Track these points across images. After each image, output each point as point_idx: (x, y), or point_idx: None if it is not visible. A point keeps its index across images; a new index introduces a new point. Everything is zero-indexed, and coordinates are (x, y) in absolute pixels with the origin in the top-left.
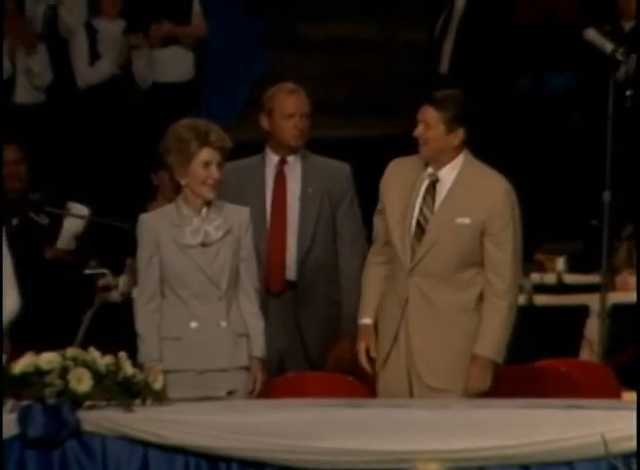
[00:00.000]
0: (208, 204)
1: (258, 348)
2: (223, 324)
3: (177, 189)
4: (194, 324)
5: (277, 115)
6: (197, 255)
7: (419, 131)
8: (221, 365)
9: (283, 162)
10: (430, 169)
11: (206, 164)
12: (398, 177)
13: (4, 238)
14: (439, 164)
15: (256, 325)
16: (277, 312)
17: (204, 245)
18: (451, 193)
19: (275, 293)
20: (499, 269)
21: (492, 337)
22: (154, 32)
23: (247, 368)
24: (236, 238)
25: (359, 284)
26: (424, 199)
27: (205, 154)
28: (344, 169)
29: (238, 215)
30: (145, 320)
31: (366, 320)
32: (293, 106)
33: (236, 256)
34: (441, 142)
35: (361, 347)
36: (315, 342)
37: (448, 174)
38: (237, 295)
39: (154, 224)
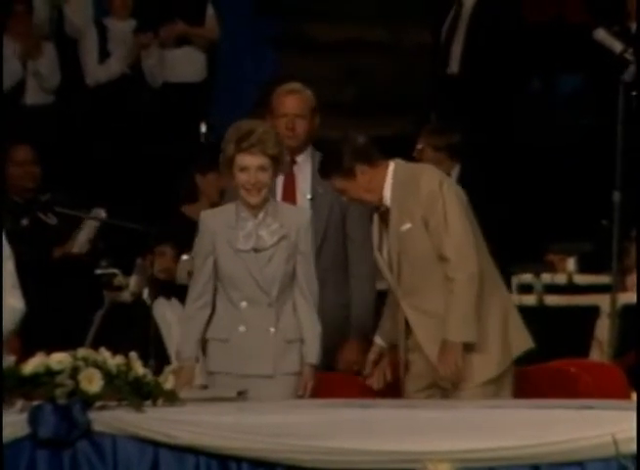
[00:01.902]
0: (266, 206)
1: (312, 354)
2: (272, 330)
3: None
4: (242, 328)
5: (275, 114)
6: (249, 259)
7: (346, 200)
8: (266, 372)
9: (292, 162)
10: (382, 204)
11: (243, 169)
12: (373, 230)
13: (4, 239)
14: (380, 198)
15: (313, 331)
16: None
17: (256, 250)
18: (392, 208)
19: None
20: (445, 252)
21: (451, 320)
22: (166, 32)
23: (296, 374)
24: (292, 243)
25: (369, 286)
26: (385, 227)
27: (241, 159)
28: None
29: (296, 219)
30: (189, 318)
31: (376, 338)
32: (287, 106)
33: (290, 261)
34: (360, 190)
35: (368, 357)
36: (324, 343)
37: (387, 195)
38: (290, 299)
39: (212, 225)
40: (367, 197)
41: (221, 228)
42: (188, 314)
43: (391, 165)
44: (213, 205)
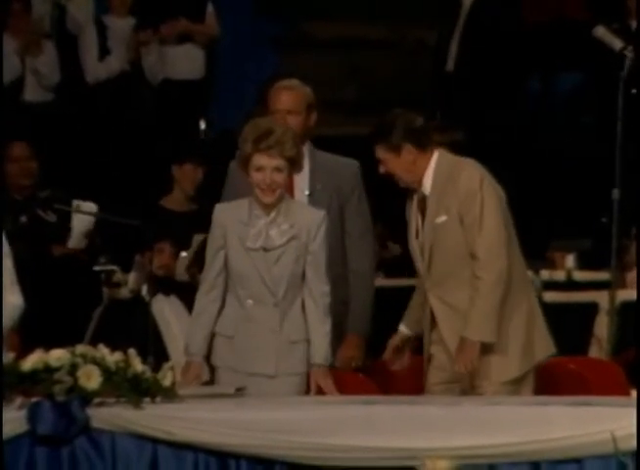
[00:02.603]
0: (279, 206)
1: (319, 355)
2: (276, 330)
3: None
4: (247, 326)
5: (269, 110)
6: (257, 258)
7: (381, 171)
8: (268, 371)
9: None
10: (420, 190)
11: (259, 169)
12: (410, 216)
13: (4, 238)
14: (419, 182)
15: (320, 331)
16: None
17: (265, 249)
18: (430, 198)
19: None
20: (476, 251)
21: (472, 318)
22: (168, 29)
23: (299, 374)
24: (302, 243)
25: (368, 281)
26: (421, 216)
27: (257, 159)
28: (353, 166)
29: (308, 219)
30: (198, 312)
31: (401, 326)
32: (280, 102)
33: (300, 261)
34: (400, 167)
35: (390, 342)
36: None
37: (427, 184)
38: (298, 300)
39: (224, 219)
40: (405, 176)
41: (233, 223)
42: (198, 309)
43: (435, 154)
44: (188, 196)
